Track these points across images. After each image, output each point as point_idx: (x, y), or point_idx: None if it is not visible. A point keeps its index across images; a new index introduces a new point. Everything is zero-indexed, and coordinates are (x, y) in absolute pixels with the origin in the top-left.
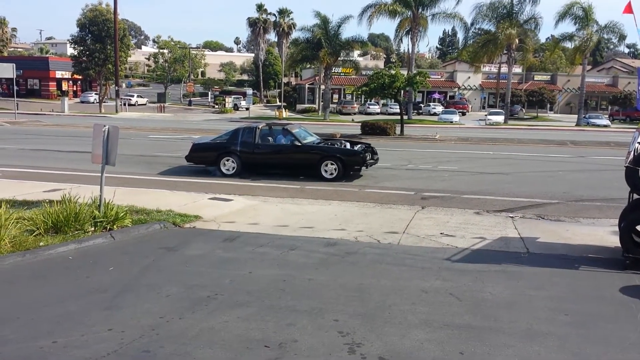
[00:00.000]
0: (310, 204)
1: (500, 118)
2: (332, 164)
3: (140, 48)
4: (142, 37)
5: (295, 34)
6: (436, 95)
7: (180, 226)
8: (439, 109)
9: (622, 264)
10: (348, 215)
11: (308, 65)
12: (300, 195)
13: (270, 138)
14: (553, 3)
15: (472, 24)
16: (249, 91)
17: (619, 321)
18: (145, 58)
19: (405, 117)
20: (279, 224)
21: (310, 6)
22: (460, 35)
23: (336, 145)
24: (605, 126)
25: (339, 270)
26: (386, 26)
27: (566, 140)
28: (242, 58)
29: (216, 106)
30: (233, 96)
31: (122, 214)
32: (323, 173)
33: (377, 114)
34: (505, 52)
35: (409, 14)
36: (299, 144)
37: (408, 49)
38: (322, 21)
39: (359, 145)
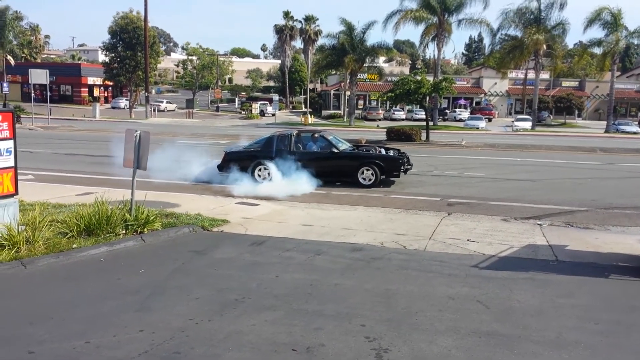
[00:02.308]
0: (335, 209)
1: (527, 124)
2: (369, 170)
3: (170, 55)
4: (171, 44)
5: (320, 41)
6: (462, 102)
7: (209, 230)
8: (465, 115)
9: None
10: (374, 220)
11: (333, 72)
12: (326, 200)
13: (305, 145)
14: (581, 9)
15: (498, 30)
16: (275, 97)
17: None
18: (174, 65)
19: (430, 123)
20: (305, 229)
21: (336, 13)
22: (486, 41)
23: (371, 152)
24: (635, 133)
25: (365, 276)
26: (411, 32)
27: (595, 147)
28: (268, 65)
29: (243, 112)
30: (259, 102)
31: (152, 218)
32: (360, 180)
33: (403, 120)
34: (532, 58)
35: (435, 19)
36: (337, 151)
37: (434, 55)
38: (347, 28)
39: (392, 151)
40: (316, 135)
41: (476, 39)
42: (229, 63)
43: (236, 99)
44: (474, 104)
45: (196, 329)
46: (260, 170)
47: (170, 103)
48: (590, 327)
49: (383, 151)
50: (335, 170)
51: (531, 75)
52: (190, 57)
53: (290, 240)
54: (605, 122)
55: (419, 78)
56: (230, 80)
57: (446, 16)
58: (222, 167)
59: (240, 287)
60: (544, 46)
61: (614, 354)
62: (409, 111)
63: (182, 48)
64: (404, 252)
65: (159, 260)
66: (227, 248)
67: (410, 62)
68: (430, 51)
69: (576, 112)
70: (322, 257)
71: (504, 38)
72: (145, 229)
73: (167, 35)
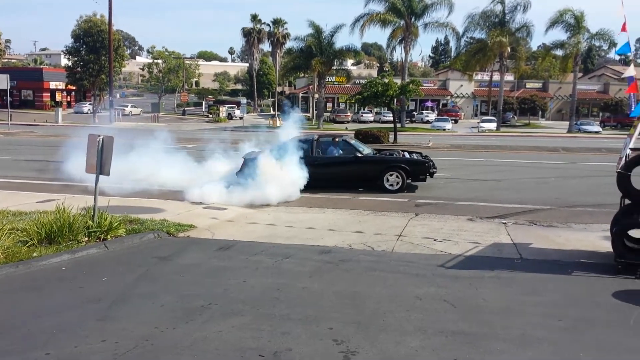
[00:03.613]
0: (304, 212)
1: (492, 125)
2: (393, 175)
3: (135, 58)
4: (137, 47)
5: (289, 44)
6: (429, 104)
7: (175, 235)
8: (432, 116)
9: (614, 268)
10: (342, 223)
11: (302, 75)
12: (295, 203)
13: (327, 150)
14: (545, 12)
15: (464, 33)
16: (243, 100)
17: (612, 326)
18: (140, 68)
19: (398, 125)
20: (273, 233)
21: (305, 16)
22: (452, 44)
23: (394, 155)
24: (596, 133)
25: (334, 278)
26: (379, 35)
27: (558, 147)
28: (236, 68)
29: (210, 115)
30: (227, 105)
31: (116, 224)
32: (386, 185)
33: (371, 122)
34: (497, 60)
35: (402, 23)
36: (361, 155)
37: (401, 57)
38: (316, 31)
39: (415, 154)
40: (338, 139)
41: (442, 42)
42: (196, 66)
43: (203, 103)
44: (440, 106)
45: (161, 337)
46: None
47: (136, 107)
48: (554, 323)
49: (406, 154)
50: (359, 175)
51: (496, 77)
52: (155, 61)
53: (258, 244)
54: (568, 123)
55: (386, 81)
56: (197, 83)
57: (413, 19)
58: (241, 174)
59: (206, 293)
60: (508, 48)
61: (578, 350)
62: (377, 113)
63: (148, 51)
64: (372, 253)
65: (123, 268)
66: (193, 253)
67: (378, 64)
68: (398, 54)
69: (540, 112)
70: (290, 261)
71: (470, 41)
72: (108, 236)
73: (132, 38)
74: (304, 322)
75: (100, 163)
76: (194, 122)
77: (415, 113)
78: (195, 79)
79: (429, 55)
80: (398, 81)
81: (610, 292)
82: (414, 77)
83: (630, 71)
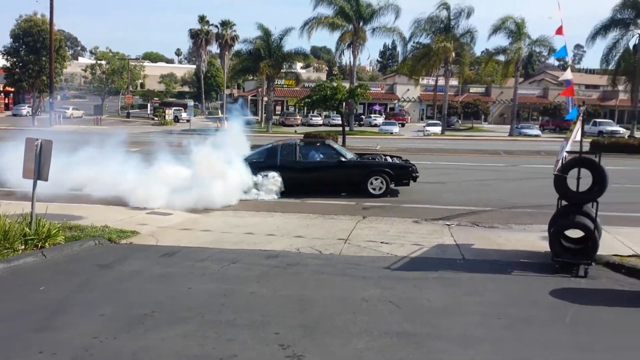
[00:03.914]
0: (252, 216)
1: (437, 129)
2: (378, 179)
3: (77, 59)
4: (79, 48)
5: (237, 46)
6: (377, 107)
7: (116, 242)
8: (380, 120)
9: (552, 267)
10: (290, 226)
11: (251, 77)
12: (243, 207)
13: (311, 154)
14: (488, 18)
15: (410, 38)
16: (190, 103)
17: (550, 324)
18: (82, 69)
19: (347, 128)
20: (219, 237)
21: (254, 19)
22: (399, 49)
23: (377, 160)
24: (536, 136)
25: (281, 283)
26: (328, 39)
27: (500, 150)
28: (183, 69)
29: (156, 118)
30: (173, 108)
31: (54, 231)
32: (370, 189)
33: (320, 125)
34: (442, 65)
35: (350, 27)
36: (345, 159)
37: (349, 61)
38: (264, 33)
39: (396, 159)
40: (321, 143)
41: (390, 47)
42: (141, 68)
43: (148, 105)
44: (388, 110)
45: (101, 347)
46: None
47: (77, 109)
48: (495, 322)
49: (389, 159)
50: (343, 180)
51: (441, 81)
52: (99, 62)
53: (204, 250)
54: (509, 126)
55: (335, 84)
56: (142, 85)
57: (361, 24)
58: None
59: (149, 301)
60: (453, 54)
61: (517, 348)
62: (326, 117)
63: (91, 52)
64: (320, 257)
65: (62, 276)
66: (136, 260)
67: (327, 68)
68: (347, 58)
69: (483, 116)
70: (237, 266)
71: (416, 46)
72: (46, 244)
73: (74, 39)
74: (250, 327)
75: (38, 168)
76: (138, 125)
77: (363, 117)
78: (140, 81)
79: (377, 60)
80: (347, 85)
81: (548, 291)
82: (363, 81)
83: (567, 75)
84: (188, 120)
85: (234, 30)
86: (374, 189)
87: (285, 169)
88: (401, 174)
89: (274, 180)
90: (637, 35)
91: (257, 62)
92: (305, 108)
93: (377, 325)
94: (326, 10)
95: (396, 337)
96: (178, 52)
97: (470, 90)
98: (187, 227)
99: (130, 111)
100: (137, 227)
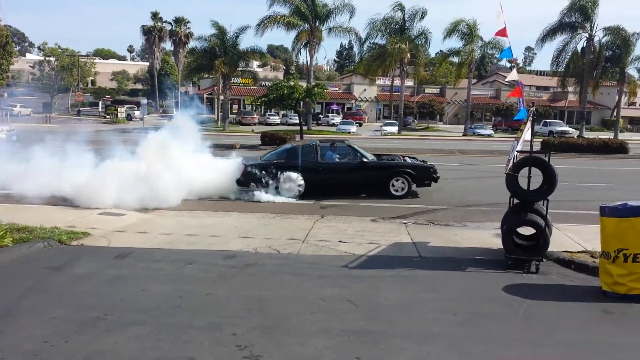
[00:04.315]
0: (209, 217)
1: (394, 129)
2: (399, 180)
3: (25, 56)
4: (27, 44)
5: (192, 43)
6: (334, 107)
7: (67, 244)
8: (337, 119)
9: (504, 264)
10: (248, 226)
11: (206, 75)
12: (199, 207)
13: (332, 155)
14: (443, 20)
15: (366, 38)
16: (144, 101)
17: (502, 319)
18: (30, 66)
19: (304, 127)
20: (175, 238)
21: (209, 16)
22: (356, 49)
23: (396, 160)
24: (489, 136)
25: (238, 283)
26: (285, 38)
27: (454, 149)
28: (135, 67)
29: (108, 116)
30: (126, 106)
31: (1, 233)
32: (392, 190)
33: (278, 124)
34: (398, 66)
35: (307, 26)
36: (367, 160)
37: (306, 61)
38: (220, 31)
39: (413, 159)
40: (341, 144)
41: (347, 47)
42: (92, 64)
43: (100, 103)
44: (345, 109)
45: (51, 351)
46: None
47: (25, 107)
48: (451, 318)
49: (407, 159)
50: (365, 181)
51: (397, 82)
52: (47, 58)
53: (159, 251)
54: (463, 126)
55: (292, 84)
56: (93, 82)
57: (317, 23)
58: (243, 181)
59: (102, 303)
60: (408, 55)
61: (472, 343)
62: (283, 116)
63: (39, 48)
64: (278, 256)
65: (9, 279)
66: (88, 262)
67: (284, 67)
68: (303, 57)
69: (438, 116)
70: (193, 267)
71: (372, 46)
72: None
73: (21, 34)
74: (207, 329)
75: None
76: (90, 123)
77: (321, 116)
78: (91, 78)
79: (334, 59)
80: (304, 84)
81: (501, 287)
82: (320, 80)
83: (513, 75)
84: (141, 119)
85: (189, 28)
86: (396, 190)
87: (307, 170)
88: (423, 174)
89: (295, 181)
90: (585, 38)
91: (212, 60)
92: (263, 107)
93: (335, 324)
94: (282, 9)
95: (354, 336)
96: (130, 49)
97: (426, 91)
98: (140, 227)
99: (80, 109)
100: (88, 228)
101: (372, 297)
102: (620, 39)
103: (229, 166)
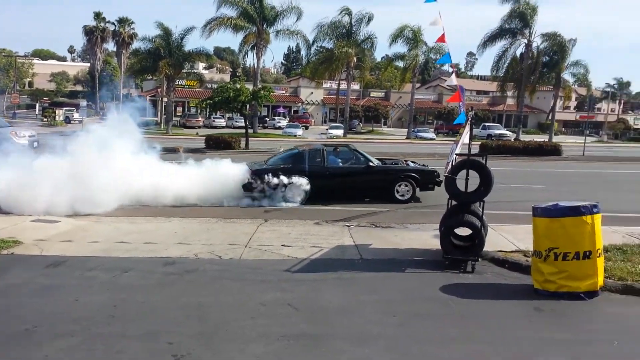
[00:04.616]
0: (148, 222)
1: (340, 132)
2: (405, 185)
3: None
4: None
5: (136, 44)
6: (281, 110)
7: None
8: (284, 122)
9: (442, 264)
10: (189, 231)
11: (150, 77)
12: (138, 213)
13: (338, 159)
14: (389, 26)
15: (314, 42)
16: (83, 103)
17: (440, 319)
18: None
19: (250, 130)
20: (111, 246)
21: (154, 17)
22: (303, 52)
23: (399, 164)
24: (431, 139)
25: (178, 290)
26: (232, 40)
27: (398, 152)
28: (76, 68)
29: (45, 119)
30: (64, 108)
31: None
32: (396, 195)
33: (223, 127)
34: (344, 69)
35: (254, 29)
36: (373, 165)
37: (253, 63)
38: (164, 32)
39: (414, 163)
40: (347, 149)
41: (294, 50)
42: (30, 65)
43: (37, 105)
44: (292, 112)
45: None
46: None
47: None
48: (390, 320)
49: (410, 164)
50: (369, 186)
51: (344, 85)
52: None
53: (94, 259)
54: (406, 130)
55: (238, 86)
56: (30, 84)
57: (265, 26)
58: (249, 186)
59: (32, 314)
60: (355, 59)
61: (410, 344)
62: (229, 119)
63: None
64: (219, 262)
65: None
66: (18, 272)
67: (231, 69)
68: (250, 60)
69: (383, 120)
70: (129, 275)
71: (320, 50)
72: None
73: None
74: (142, 338)
75: None
76: (26, 127)
77: (267, 119)
78: (28, 79)
79: (282, 62)
80: (250, 87)
81: (439, 287)
82: (267, 83)
83: (452, 80)
84: (81, 121)
85: (132, 28)
86: (402, 195)
87: (314, 175)
88: (427, 179)
89: (303, 186)
90: (524, 44)
91: (156, 61)
92: (208, 109)
93: (275, 329)
94: (230, 11)
95: (294, 340)
96: (71, 50)
97: (371, 95)
98: (75, 234)
99: (16, 111)
100: (19, 235)
101: (314, 301)
102: (557, 45)
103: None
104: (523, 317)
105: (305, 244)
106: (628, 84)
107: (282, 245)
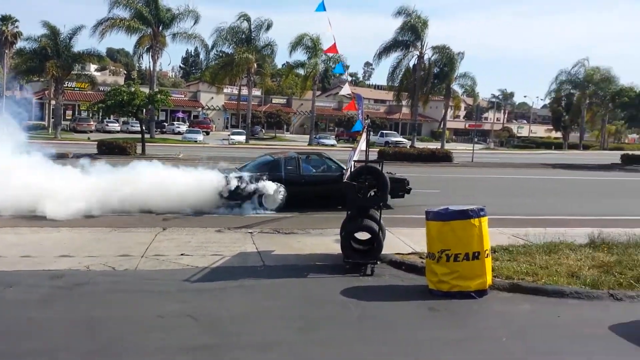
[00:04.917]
0: (33, 232)
1: (242, 138)
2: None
3: None
4: None
5: (21, 44)
6: (180, 114)
7: None
8: (183, 128)
9: (343, 268)
10: (79, 242)
11: (36, 78)
12: (23, 223)
13: (313, 167)
14: (290, 33)
15: (213, 46)
16: None
17: (341, 322)
18: None
19: (147, 135)
20: None
21: (42, 15)
22: (202, 56)
23: None
24: (332, 145)
25: (67, 305)
26: (127, 41)
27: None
28: None
29: None
30: None
31: None
32: None
33: (118, 132)
34: (245, 75)
35: (149, 31)
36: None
37: (149, 66)
38: (51, 32)
39: (389, 173)
40: (321, 157)
41: (193, 54)
42: None
43: None
44: (192, 117)
45: None
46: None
47: None
48: (291, 325)
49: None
50: (343, 193)
51: (245, 91)
52: None
53: None
54: (308, 136)
55: (132, 89)
56: None
57: (161, 28)
58: (226, 195)
59: None
60: (255, 64)
61: (311, 348)
62: (124, 123)
63: None
64: (113, 273)
65: None
66: None
67: (125, 72)
68: (146, 62)
69: (285, 126)
70: (14, 290)
71: (219, 54)
72: None
73: None
74: (27, 358)
75: None
76: None
77: (166, 124)
78: None
79: (180, 66)
80: (146, 90)
81: (339, 291)
82: (164, 87)
83: (345, 90)
84: None
85: (17, 27)
86: None
87: (289, 182)
88: (397, 187)
89: (279, 193)
90: (416, 56)
91: (43, 62)
92: (100, 113)
93: (174, 342)
94: (123, 13)
95: (193, 351)
96: None
97: (273, 101)
98: None
99: None
100: None
101: (214, 310)
102: (446, 58)
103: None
104: (419, 317)
105: (206, 252)
106: (512, 94)
107: (182, 254)
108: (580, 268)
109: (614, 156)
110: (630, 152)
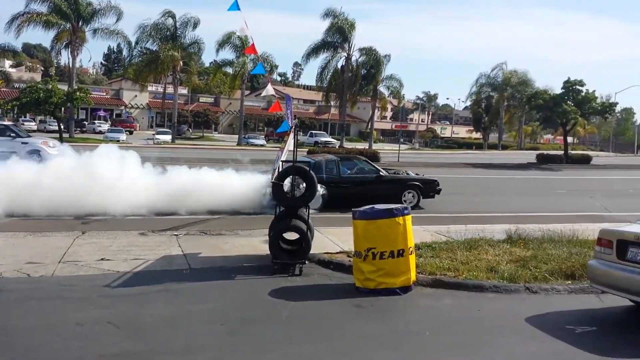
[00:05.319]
0: None
1: (167, 137)
2: (410, 193)
3: None
4: None
5: None
6: (101, 113)
7: None
8: (105, 127)
9: (272, 269)
10: None
11: None
12: None
13: (351, 169)
14: (219, 31)
15: (137, 43)
16: None
17: (268, 323)
18: None
19: (66, 134)
20: None
21: None
22: (125, 53)
23: (400, 175)
24: (261, 145)
25: None
26: (44, 36)
27: (228, 158)
28: None
29: None
30: None
31: None
32: (403, 202)
33: (34, 131)
34: (171, 73)
35: (68, 26)
36: (383, 175)
37: (68, 62)
38: None
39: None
40: (358, 160)
41: (115, 50)
42: None
43: None
44: (114, 116)
45: None
46: None
47: None
48: (218, 328)
49: (411, 173)
50: (378, 194)
51: (171, 89)
52: None
53: None
54: (237, 136)
55: (50, 87)
56: None
57: (80, 24)
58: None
59: None
60: (181, 62)
61: (237, 350)
62: (41, 122)
63: None
64: (28, 280)
65: None
66: None
67: (42, 68)
68: (65, 58)
69: (213, 126)
70: None
71: (144, 51)
72: None
73: None
74: None
75: None
76: None
77: (86, 123)
78: None
79: (102, 63)
80: (65, 87)
81: (267, 291)
82: (85, 84)
83: (268, 91)
84: None
85: None
86: (409, 203)
87: (332, 184)
88: (429, 188)
89: (321, 194)
90: (344, 57)
91: None
92: (15, 111)
93: (93, 350)
94: (40, 7)
95: (114, 358)
96: None
97: (200, 100)
98: None
99: None
100: None
101: (137, 316)
102: (373, 59)
103: None
104: (346, 314)
105: (128, 256)
106: (435, 96)
107: (102, 259)
108: (499, 263)
109: (530, 156)
110: (545, 152)
